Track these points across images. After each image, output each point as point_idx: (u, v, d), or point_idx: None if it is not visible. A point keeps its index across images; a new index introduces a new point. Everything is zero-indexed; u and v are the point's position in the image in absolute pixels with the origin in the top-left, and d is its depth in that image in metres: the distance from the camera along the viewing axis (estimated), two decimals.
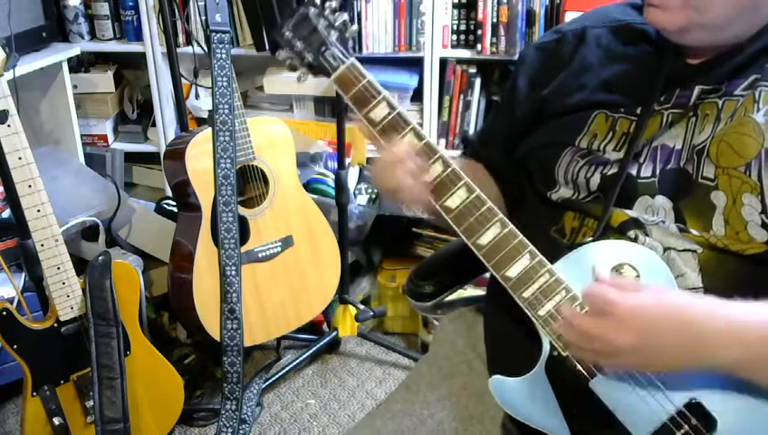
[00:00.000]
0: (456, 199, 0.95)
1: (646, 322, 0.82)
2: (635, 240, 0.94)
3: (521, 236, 0.93)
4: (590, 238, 0.95)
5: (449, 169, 0.95)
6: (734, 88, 0.93)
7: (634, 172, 0.97)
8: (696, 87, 0.94)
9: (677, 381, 0.88)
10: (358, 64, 0.99)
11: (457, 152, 2.08)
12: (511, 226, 0.93)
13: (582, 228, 1.00)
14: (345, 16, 0.99)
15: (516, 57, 2.19)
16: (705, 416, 0.87)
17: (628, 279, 0.89)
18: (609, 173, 0.98)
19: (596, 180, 0.99)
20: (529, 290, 0.92)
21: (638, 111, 0.98)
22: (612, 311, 0.82)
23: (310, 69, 1.01)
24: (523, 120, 1.10)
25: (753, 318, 0.83)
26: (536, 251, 0.92)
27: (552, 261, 0.93)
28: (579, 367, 0.89)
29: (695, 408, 0.87)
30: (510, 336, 1.03)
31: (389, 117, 0.97)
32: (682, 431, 0.87)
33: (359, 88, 0.98)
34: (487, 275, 1.20)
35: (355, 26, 1.02)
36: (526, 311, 0.92)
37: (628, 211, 0.96)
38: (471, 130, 2.36)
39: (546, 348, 0.92)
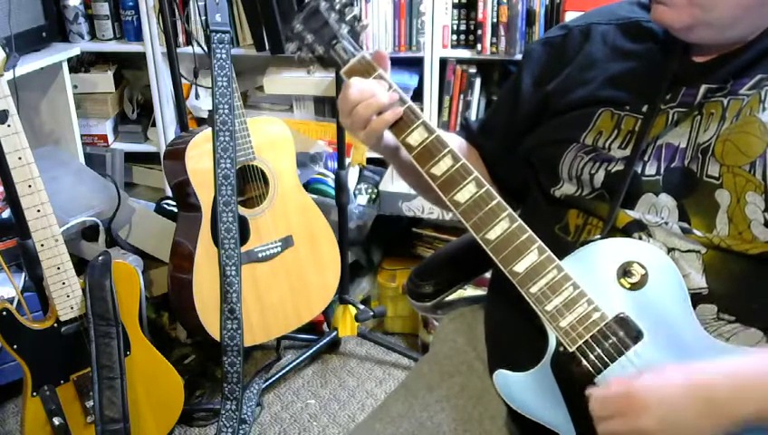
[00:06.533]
0: (465, 194, 0.95)
1: (660, 404, 0.81)
2: None
3: (529, 231, 0.93)
4: (599, 236, 0.95)
5: (459, 164, 0.95)
6: (739, 87, 0.93)
7: (639, 170, 0.96)
8: (703, 86, 0.94)
9: None
10: (369, 57, 0.99)
11: None
12: (519, 221, 0.93)
13: (587, 226, 1.00)
14: (356, 11, 1.00)
15: (516, 57, 2.20)
16: None
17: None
18: (614, 170, 0.98)
19: (600, 177, 0.99)
20: (537, 286, 0.91)
21: (644, 108, 0.98)
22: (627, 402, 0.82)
23: (320, 62, 1.02)
24: (528, 116, 1.10)
25: (750, 368, 0.82)
26: (545, 247, 0.92)
27: (558, 258, 0.92)
28: (585, 363, 0.88)
29: None
30: (513, 332, 1.02)
31: None
32: None
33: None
34: (487, 275, 1.20)
35: (366, 21, 1.03)
36: (534, 306, 0.91)
37: (630, 212, 0.96)
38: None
39: (552, 344, 0.92)
